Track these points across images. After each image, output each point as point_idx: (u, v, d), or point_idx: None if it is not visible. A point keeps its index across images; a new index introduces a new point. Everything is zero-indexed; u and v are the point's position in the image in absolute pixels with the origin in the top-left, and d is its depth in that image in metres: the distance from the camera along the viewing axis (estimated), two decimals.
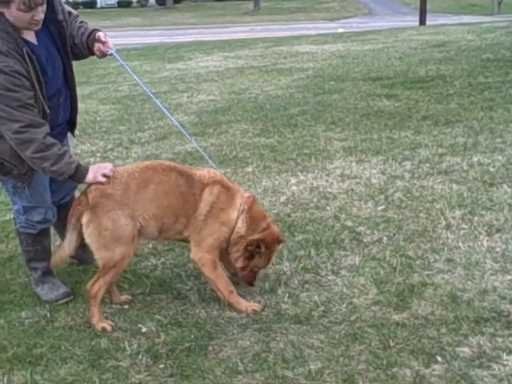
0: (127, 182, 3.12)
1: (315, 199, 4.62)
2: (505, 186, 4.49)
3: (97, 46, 3.32)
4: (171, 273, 3.70)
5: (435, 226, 3.97)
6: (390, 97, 7.60)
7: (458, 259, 3.54)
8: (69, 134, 3.60)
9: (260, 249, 3.22)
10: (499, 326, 2.88)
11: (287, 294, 3.34)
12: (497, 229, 3.86)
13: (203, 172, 3.29)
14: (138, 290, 3.53)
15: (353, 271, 3.52)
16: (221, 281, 3.24)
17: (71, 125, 3.52)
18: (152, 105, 7.70)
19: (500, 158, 5.07)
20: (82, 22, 3.35)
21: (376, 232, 3.97)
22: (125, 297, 3.43)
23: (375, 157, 5.40)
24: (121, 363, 2.85)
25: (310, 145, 5.94)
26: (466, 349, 2.75)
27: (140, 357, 2.88)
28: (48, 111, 3.11)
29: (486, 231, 3.84)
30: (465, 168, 4.92)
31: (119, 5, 52.42)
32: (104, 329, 3.12)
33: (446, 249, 3.67)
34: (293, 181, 5.03)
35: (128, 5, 52.22)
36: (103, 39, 3.30)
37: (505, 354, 2.69)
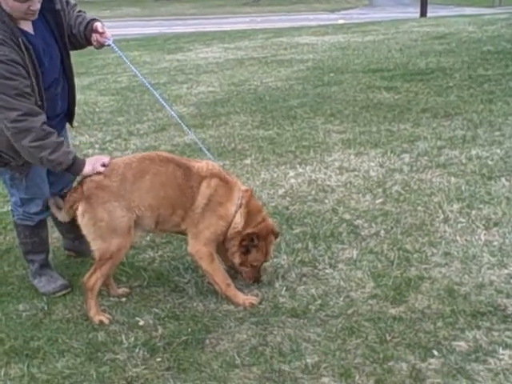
0: (124, 172, 3.12)
1: (313, 192, 4.61)
2: (503, 179, 4.49)
3: (94, 36, 3.29)
4: (169, 266, 3.70)
5: (433, 220, 3.97)
6: (390, 89, 7.58)
7: (456, 253, 3.54)
8: (68, 126, 3.59)
9: (253, 242, 3.22)
10: (495, 320, 2.89)
11: (284, 288, 3.34)
12: (494, 222, 3.86)
13: (201, 164, 3.28)
14: (136, 282, 3.54)
15: (350, 264, 3.53)
16: (218, 274, 3.24)
17: (69, 115, 3.51)
18: (151, 96, 7.65)
19: (498, 151, 5.06)
20: (80, 11, 3.33)
21: (374, 225, 3.97)
22: (122, 290, 3.44)
23: (374, 149, 5.39)
24: (118, 356, 2.86)
25: (308, 137, 5.93)
26: (462, 343, 2.75)
27: (137, 350, 2.88)
28: (43, 103, 3.08)
29: (484, 225, 3.84)
30: (463, 161, 4.92)
31: None
32: (101, 322, 3.12)
33: (443, 242, 3.68)
34: (291, 173, 5.03)
35: None
36: (100, 30, 3.27)
37: (501, 348, 2.70)
